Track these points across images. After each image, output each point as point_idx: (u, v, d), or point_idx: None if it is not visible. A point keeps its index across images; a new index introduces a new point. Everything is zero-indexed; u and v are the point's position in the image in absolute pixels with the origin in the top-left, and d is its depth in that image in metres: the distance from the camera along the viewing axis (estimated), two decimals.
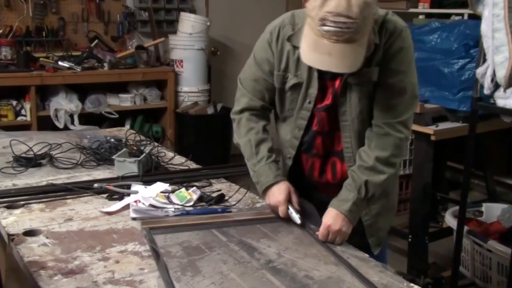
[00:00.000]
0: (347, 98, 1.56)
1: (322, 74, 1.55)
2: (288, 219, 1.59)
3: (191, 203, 1.73)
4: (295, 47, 1.55)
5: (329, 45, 1.33)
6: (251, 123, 1.68)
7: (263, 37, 1.66)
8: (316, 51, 1.36)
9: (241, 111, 1.70)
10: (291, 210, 1.58)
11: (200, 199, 1.76)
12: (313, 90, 1.58)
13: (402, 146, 1.57)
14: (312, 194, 1.70)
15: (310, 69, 1.55)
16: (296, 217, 1.57)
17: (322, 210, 1.58)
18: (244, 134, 1.67)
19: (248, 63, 1.74)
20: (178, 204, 1.71)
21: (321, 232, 1.50)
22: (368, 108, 1.56)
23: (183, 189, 1.78)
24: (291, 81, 1.61)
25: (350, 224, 1.52)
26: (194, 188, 1.82)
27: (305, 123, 1.62)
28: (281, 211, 1.58)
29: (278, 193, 1.58)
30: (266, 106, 1.70)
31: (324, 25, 1.31)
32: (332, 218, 1.51)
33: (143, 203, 1.68)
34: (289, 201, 1.58)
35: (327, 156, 1.66)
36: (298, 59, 1.55)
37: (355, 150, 1.60)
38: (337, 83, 1.56)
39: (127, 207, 1.68)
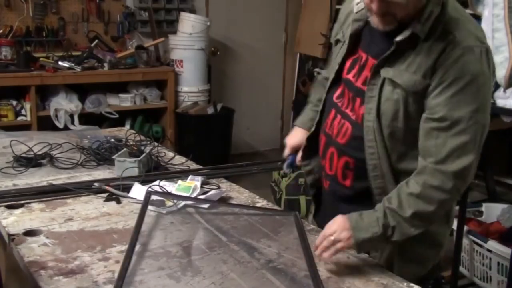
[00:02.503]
0: (376, 93, 1.38)
1: (357, 39, 1.47)
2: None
3: (198, 190, 1.76)
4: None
5: None
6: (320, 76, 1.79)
7: None
8: None
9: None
10: (288, 159, 1.72)
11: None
12: (343, 50, 1.51)
13: (450, 205, 1.37)
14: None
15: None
16: (284, 166, 1.73)
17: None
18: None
19: None
20: (189, 197, 1.73)
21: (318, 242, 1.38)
22: (394, 116, 1.36)
23: (179, 181, 1.80)
24: (337, 36, 1.58)
25: (351, 246, 1.36)
26: (190, 176, 1.85)
27: (328, 85, 1.56)
28: (285, 151, 1.73)
29: (293, 136, 1.73)
30: None
31: None
32: (342, 230, 1.34)
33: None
34: (296, 151, 1.68)
35: (329, 143, 1.53)
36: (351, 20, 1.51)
37: (383, 162, 1.39)
38: (370, 63, 1.42)
39: None
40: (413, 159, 1.38)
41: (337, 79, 1.53)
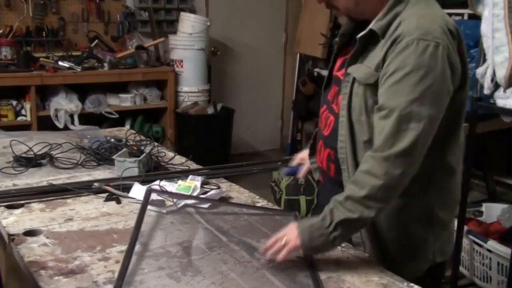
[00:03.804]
0: (348, 90, 1.42)
1: (349, 36, 1.52)
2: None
3: (198, 190, 1.75)
4: None
5: None
6: None
7: None
8: None
9: None
10: (292, 168, 1.81)
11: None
12: (336, 49, 1.58)
13: (383, 192, 1.30)
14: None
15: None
16: (284, 171, 1.85)
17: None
18: None
19: None
20: (190, 196, 1.73)
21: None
22: (359, 110, 1.40)
23: (179, 181, 1.80)
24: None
25: (297, 244, 1.34)
26: (190, 176, 1.85)
27: (325, 80, 1.61)
28: (294, 162, 1.81)
29: (303, 152, 1.79)
30: None
31: None
32: (290, 226, 1.38)
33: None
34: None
35: (319, 135, 1.59)
36: None
37: (349, 157, 1.43)
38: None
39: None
40: None
41: (330, 77, 1.58)
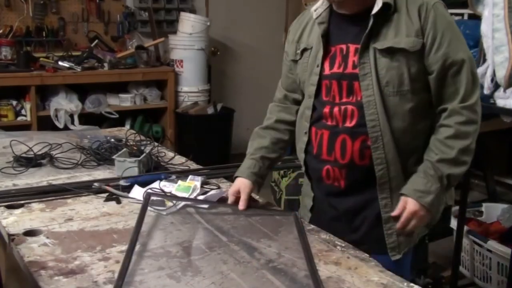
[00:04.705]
0: (371, 69, 1.52)
1: (328, 38, 1.61)
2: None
3: (198, 190, 1.75)
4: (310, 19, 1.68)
5: None
6: (268, 113, 1.83)
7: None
8: None
9: (273, 101, 1.85)
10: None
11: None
12: (320, 54, 1.62)
13: (474, 135, 1.52)
14: (320, 186, 1.68)
15: (319, 36, 1.62)
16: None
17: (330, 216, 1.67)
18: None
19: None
20: (188, 198, 1.73)
21: (397, 211, 1.51)
22: (400, 80, 1.51)
23: (179, 181, 1.80)
24: (301, 46, 1.69)
25: (430, 216, 1.53)
26: (190, 176, 1.85)
27: (314, 88, 1.63)
28: (229, 200, 1.71)
29: (233, 186, 1.73)
30: (289, 95, 1.79)
31: None
32: (413, 204, 1.49)
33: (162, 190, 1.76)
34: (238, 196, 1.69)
35: (336, 132, 1.59)
36: (311, 29, 1.66)
37: (384, 131, 1.52)
38: (353, 49, 1.56)
39: None
40: (414, 136, 1.55)
41: (319, 82, 1.63)
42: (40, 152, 2.13)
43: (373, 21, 1.51)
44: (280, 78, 1.83)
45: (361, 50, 1.53)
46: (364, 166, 1.57)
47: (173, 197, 1.73)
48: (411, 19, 1.50)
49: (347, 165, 1.59)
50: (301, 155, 1.72)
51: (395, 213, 1.52)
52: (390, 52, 1.50)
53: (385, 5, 1.49)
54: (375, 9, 1.49)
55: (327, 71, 1.61)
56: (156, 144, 2.30)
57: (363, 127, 1.54)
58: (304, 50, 1.68)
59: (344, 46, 1.58)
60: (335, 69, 1.59)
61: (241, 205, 1.66)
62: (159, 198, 1.71)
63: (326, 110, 1.60)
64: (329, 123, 1.61)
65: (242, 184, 1.71)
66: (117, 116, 4.31)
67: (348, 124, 1.57)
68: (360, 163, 1.57)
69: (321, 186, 1.68)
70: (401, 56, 1.50)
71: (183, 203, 1.71)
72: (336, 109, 1.58)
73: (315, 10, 1.63)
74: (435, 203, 1.51)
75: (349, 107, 1.56)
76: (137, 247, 1.41)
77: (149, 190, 1.73)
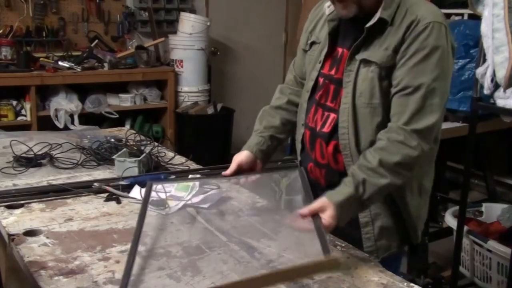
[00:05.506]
0: (352, 79, 1.51)
1: (335, 37, 1.60)
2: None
3: (196, 189, 1.75)
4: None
5: None
6: (278, 93, 1.83)
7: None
8: None
9: (285, 82, 1.85)
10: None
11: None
12: (324, 52, 1.62)
13: (414, 162, 1.43)
14: (309, 179, 1.65)
15: (327, 33, 1.62)
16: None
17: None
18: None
19: None
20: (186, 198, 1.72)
21: (303, 210, 1.39)
22: (371, 93, 1.48)
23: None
24: (311, 38, 1.70)
25: (336, 219, 1.38)
26: (190, 175, 1.86)
27: (312, 84, 1.65)
28: (231, 166, 1.69)
29: (239, 155, 1.71)
30: (298, 79, 1.79)
31: None
32: (321, 202, 1.39)
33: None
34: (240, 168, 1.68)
35: (314, 134, 1.62)
36: (324, 23, 1.64)
37: (351, 140, 1.51)
38: (346, 54, 1.55)
39: None
40: None
41: (317, 79, 1.64)
42: (40, 152, 2.13)
43: (366, 33, 1.48)
44: (292, 61, 1.84)
45: (349, 58, 1.53)
46: (339, 170, 1.58)
47: (176, 179, 1.73)
48: (398, 33, 1.45)
49: (326, 166, 1.61)
50: (298, 145, 1.74)
51: (304, 211, 1.42)
52: (366, 63, 1.49)
53: (380, 20, 1.47)
54: (370, 23, 1.47)
55: (326, 70, 1.62)
56: (156, 144, 2.30)
57: (336, 133, 1.56)
58: (313, 43, 1.69)
59: (340, 50, 1.59)
60: (331, 71, 1.60)
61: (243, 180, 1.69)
62: (159, 198, 1.70)
63: (312, 110, 1.64)
64: (310, 124, 1.64)
65: (247, 156, 1.71)
66: (117, 116, 4.31)
67: (325, 129, 1.59)
68: (335, 167, 1.59)
69: (309, 179, 1.68)
70: (375, 69, 1.48)
71: (183, 202, 1.71)
72: (319, 111, 1.61)
73: (328, 6, 1.60)
74: (344, 205, 1.39)
75: (332, 114, 1.58)
76: (138, 247, 1.41)
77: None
